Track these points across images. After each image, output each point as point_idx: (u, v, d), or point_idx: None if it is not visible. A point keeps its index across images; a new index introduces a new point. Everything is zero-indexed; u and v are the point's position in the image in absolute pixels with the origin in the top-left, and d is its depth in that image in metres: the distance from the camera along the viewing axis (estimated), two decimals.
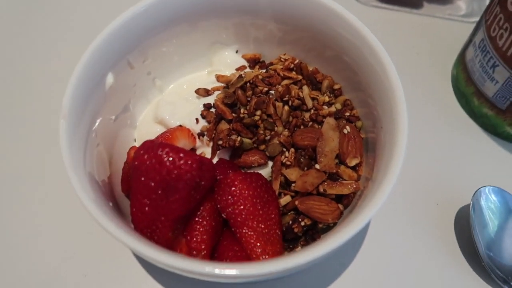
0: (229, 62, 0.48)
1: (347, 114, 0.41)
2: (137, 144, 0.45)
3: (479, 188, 0.41)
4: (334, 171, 0.38)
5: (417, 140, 0.47)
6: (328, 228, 0.39)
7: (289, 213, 0.39)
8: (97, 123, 0.38)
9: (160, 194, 0.33)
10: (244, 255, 0.35)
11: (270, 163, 0.41)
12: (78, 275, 0.41)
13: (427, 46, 0.57)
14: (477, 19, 0.58)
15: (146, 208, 0.33)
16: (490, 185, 0.41)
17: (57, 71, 0.48)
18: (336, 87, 0.44)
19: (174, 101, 0.45)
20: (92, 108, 0.37)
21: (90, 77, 0.36)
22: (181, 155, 0.33)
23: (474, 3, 0.60)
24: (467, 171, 0.47)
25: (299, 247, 0.39)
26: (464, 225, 0.43)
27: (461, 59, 0.51)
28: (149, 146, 0.33)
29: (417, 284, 0.41)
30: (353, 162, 0.39)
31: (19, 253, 0.42)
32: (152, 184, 0.33)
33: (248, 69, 0.48)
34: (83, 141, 0.36)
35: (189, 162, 0.32)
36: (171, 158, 0.32)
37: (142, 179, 0.33)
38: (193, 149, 0.43)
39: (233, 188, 0.35)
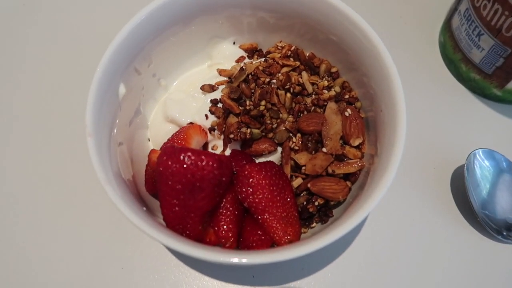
0: (228, 54, 0.50)
1: (347, 96, 0.44)
2: (151, 143, 0.47)
3: (471, 152, 0.45)
4: (340, 152, 0.41)
5: (410, 107, 0.50)
6: (339, 204, 0.43)
7: (302, 194, 0.43)
8: (115, 130, 0.41)
9: (187, 194, 0.36)
10: (268, 238, 0.39)
11: (279, 149, 0.44)
12: (116, 267, 0.45)
13: (413, 14, 0.59)
14: None
15: (176, 208, 0.37)
16: (482, 148, 0.45)
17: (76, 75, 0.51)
18: (333, 70, 0.46)
19: (181, 99, 0.47)
20: (110, 118, 0.39)
21: (105, 91, 0.38)
22: (203, 157, 0.35)
23: None
24: (460, 133, 0.51)
25: (314, 223, 0.43)
26: (460, 185, 0.47)
27: (447, 26, 0.53)
28: (171, 151, 0.36)
29: (421, 240, 0.46)
30: (356, 142, 0.42)
31: (66, 249, 0.46)
32: (179, 187, 0.36)
33: (247, 59, 0.50)
34: (108, 149, 0.38)
35: (210, 163, 0.35)
36: (193, 162, 0.35)
37: (169, 183, 0.36)
38: (206, 143, 0.46)
39: (251, 180, 0.39)
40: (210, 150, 0.46)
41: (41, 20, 0.59)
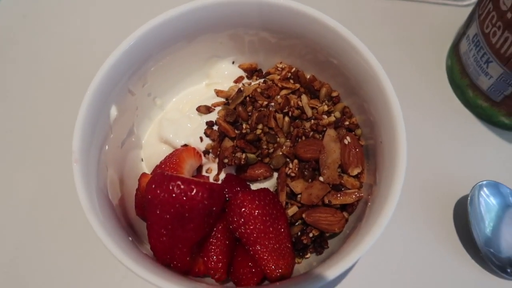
0: (226, 73, 0.48)
1: (347, 123, 0.43)
2: (145, 163, 0.46)
3: (476, 184, 0.43)
4: (338, 182, 0.40)
5: (414, 133, 0.48)
6: (334, 234, 0.41)
7: (297, 224, 0.41)
8: (105, 151, 0.40)
9: (176, 224, 0.35)
10: (259, 270, 0.37)
11: (275, 174, 0.43)
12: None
13: (421, 34, 0.57)
14: (469, 2, 0.58)
15: (164, 238, 0.35)
16: (487, 179, 0.43)
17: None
18: (334, 94, 0.45)
19: (176, 119, 0.46)
20: (99, 142, 0.38)
21: (94, 115, 0.36)
22: (192, 186, 0.34)
23: None
24: (465, 161, 0.49)
25: (309, 254, 0.41)
26: (463, 216, 0.45)
27: (455, 50, 0.51)
28: (160, 180, 0.35)
29: (421, 273, 0.44)
30: (355, 172, 0.40)
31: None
32: (167, 217, 0.34)
33: (245, 80, 0.48)
34: (96, 173, 0.37)
35: (200, 193, 0.34)
36: (182, 191, 0.34)
37: (158, 212, 0.34)
38: (200, 166, 0.45)
39: (243, 209, 0.37)
40: (204, 173, 0.45)
41: (40, 33, 0.58)
